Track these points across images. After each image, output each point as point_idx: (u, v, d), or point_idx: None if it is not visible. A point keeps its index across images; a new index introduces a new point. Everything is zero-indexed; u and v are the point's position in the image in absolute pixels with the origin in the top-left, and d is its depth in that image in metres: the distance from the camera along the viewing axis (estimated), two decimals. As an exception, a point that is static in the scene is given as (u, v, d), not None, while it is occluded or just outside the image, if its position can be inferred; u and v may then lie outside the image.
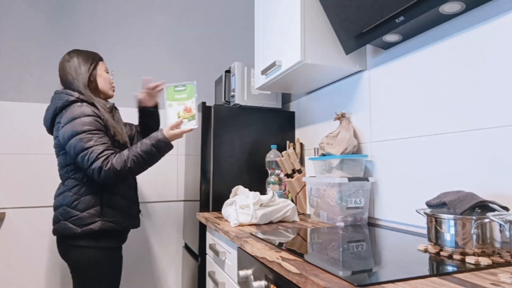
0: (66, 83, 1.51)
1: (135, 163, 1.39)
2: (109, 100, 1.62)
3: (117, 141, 1.50)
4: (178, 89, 1.52)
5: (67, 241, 1.43)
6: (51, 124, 1.49)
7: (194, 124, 1.48)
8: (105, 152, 1.37)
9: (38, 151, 2.17)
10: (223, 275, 1.40)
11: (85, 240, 1.41)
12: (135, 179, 1.63)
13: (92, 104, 1.46)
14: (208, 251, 1.66)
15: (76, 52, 1.55)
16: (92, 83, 1.52)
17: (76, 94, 1.45)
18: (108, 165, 1.35)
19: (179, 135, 1.46)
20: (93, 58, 1.56)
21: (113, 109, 1.60)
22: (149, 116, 1.77)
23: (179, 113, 1.50)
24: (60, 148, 1.45)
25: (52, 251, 2.16)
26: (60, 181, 1.54)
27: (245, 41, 2.72)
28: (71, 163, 1.44)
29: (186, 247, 2.29)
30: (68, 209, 1.41)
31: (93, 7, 2.36)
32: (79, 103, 1.43)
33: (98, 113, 1.44)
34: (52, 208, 1.80)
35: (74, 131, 1.36)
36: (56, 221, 1.44)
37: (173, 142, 1.49)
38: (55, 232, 1.44)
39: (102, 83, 1.56)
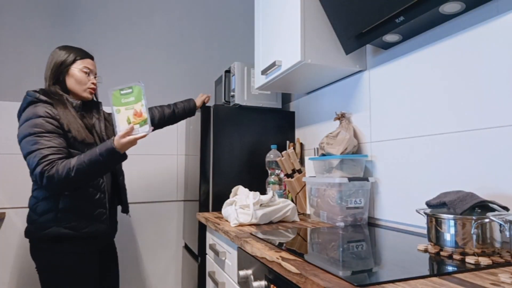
0: (44, 78, 1.46)
1: (81, 172, 1.26)
2: (93, 100, 1.55)
3: (76, 139, 1.38)
4: (125, 92, 1.36)
5: (34, 244, 1.38)
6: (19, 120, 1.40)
7: (146, 129, 1.33)
8: (50, 157, 1.25)
9: (38, 151, 2.17)
10: (223, 275, 1.40)
11: (46, 244, 1.34)
12: (114, 179, 1.55)
13: (50, 104, 1.35)
14: (208, 251, 1.66)
15: (62, 47, 1.47)
16: (61, 82, 1.43)
17: (37, 94, 1.35)
18: (52, 171, 1.24)
19: (132, 143, 1.32)
20: (73, 54, 1.45)
21: (81, 107, 1.47)
22: (189, 115, 1.91)
23: (129, 119, 1.35)
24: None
25: (52, 251, 2.16)
26: None
27: (245, 41, 2.72)
28: None
29: (186, 247, 2.29)
30: (31, 213, 1.37)
31: (93, 7, 2.36)
32: (34, 104, 1.34)
33: (52, 113, 1.33)
34: None
35: (23, 133, 1.29)
36: (26, 223, 1.41)
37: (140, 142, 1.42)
38: (25, 234, 1.39)
39: (72, 83, 1.44)
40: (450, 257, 0.84)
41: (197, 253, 1.84)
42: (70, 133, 1.36)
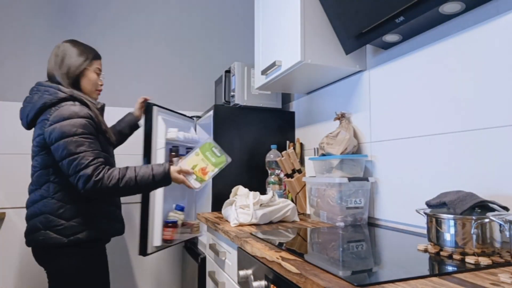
0: (51, 74, 1.39)
1: (129, 186, 1.29)
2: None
3: (108, 140, 1.43)
4: (214, 151, 1.50)
5: (49, 250, 1.32)
6: (33, 119, 1.34)
7: (197, 185, 1.45)
8: (96, 161, 1.27)
9: (38, 151, 2.17)
10: (223, 275, 1.40)
11: (69, 248, 1.31)
12: None
13: (85, 104, 1.36)
14: (208, 251, 1.66)
15: (72, 43, 1.43)
16: (77, 82, 1.41)
17: (68, 91, 1.33)
18: (99, 176, 1.25)
19: (181, 182, 1.40)
20: (88, 55, 1.44)
21: (103, 109, 1.52)
22: (134, 129, 1.82)
23: (196, 167, 1.46)
24: (42, 148, 1.32)
25: (52, 251, 2.16)
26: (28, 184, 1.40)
27: (245, 41, 2.72)
28: (54, 165, 1.31)
29: (186, 247, 2.29)
30: (51, 218, 1.29)
31: (93, 7, 2.36)
32: (71, 102, 1.32)
33: (91, 115, 1.34)
34: None
35: (64, 132, 1.25)
36: (33, 230, 1.31)
37: None
38: (31, 242, 1.31)
39: (86, 84, 1.44)
40: (450, 257, 0.84)
41: (197, 253, 1.83)
42: (106, 134, 1.41)
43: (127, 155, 2.25)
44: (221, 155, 1.50)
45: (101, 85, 1.52)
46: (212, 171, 1.47)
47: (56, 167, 1.31)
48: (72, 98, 1.33)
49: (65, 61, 1.39)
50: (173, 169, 1.38)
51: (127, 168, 1.32)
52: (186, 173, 1.40)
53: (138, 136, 1.86)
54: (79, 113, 1.30)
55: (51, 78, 1.41)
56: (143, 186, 1.33)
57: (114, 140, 1.48)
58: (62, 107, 1.29)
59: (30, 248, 1.39)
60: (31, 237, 1.32)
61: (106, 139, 1.42)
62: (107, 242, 1.49)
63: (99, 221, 1.38)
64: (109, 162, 1.41)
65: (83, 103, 1.36)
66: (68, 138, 1.25)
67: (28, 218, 1.35)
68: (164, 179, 1.35)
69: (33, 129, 1.41)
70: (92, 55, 1.46)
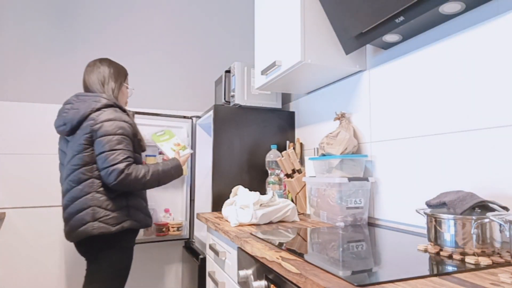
0: (91, 89, 1.61)
1: (154, 178, 1.55)
2: None
3: (141, 146, 1.65)
4: (159, 134, 1.93)
5: (96, 240, 1.47)
6: (80, 122, 1.51)
7: (188, 151, 1.86)
8: (129, 159, 1.49)
9: (38, 151, 2.17)
10: (223, 275, 1.40)
11: (112, 241, 1.49)
12: None
13: (125, 112, 1.60)
14: (208, 251, 1.66)
15: (108, 63, 1.67)
16: (117, 95, 1.65)
17: (112, 98, 1.57)
18: (130, 169, 1.46)
19: (185, 161, 1.76)
20: (123, 73, 1.71)
21: (133, 116, 1.88)
22: None
23: (172, 148, 1.86)
24: (87, 145, 1.49)
25: (52, 251, 2.16)
26: (67, 179, 1.52)
27: (245, 41, 2.72)
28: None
29: (186, 247, 2.30)
30: (98, 209, 1.46)
31: (93, 8, 2.36)
32: (115, 108, 1.55)
33: (130, 121, 1.57)
34: (61, 208, 1.80)
35: (107, 130, 1.46)
36: (82, 223, 1.44)
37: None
38: (82, 233, 1.44)
39: (121, 98, 1.69)
40: (450, 257, 0.84)
41: (197, 252, 1.83)
42: (141, 142, 1.64)
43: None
44: (165, 131, 1.95)
45: (129, 96, 1.79)
46: (177, 139, 1.93)
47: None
48: (115, 105, 1.57)
49: (106, 82, 1.63)
50: (176, 158, 1.73)
51: (149, 165, 1.58)
52: (177, 154, 1.77)
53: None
54: (121, 117, 1.53)
55: (91, 91, 1.62)
56: (165, 177, 1.61)
57: (145, 147, 1.70)
58: (107, 111, 1.51)
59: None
60: (79, 231, 1.45)
61: (139, 146, 1.64)
62: (137, 235, 1.65)
63: (136, 213, 1.57)
64: (138, 163, 1.62)
65: (123, 110, 1.60)
66: (110, 136, 1.46)
67: (73, 214, 1.47)
68: (178, 167, 1.68)
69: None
70: (126, 72, 1.74)
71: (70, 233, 1.48)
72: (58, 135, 2.19)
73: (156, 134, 1.92)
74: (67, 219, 1.50)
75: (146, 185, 1.53)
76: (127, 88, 1.74)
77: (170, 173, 1.63)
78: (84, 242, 1.49)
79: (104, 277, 1.50)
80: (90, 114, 1.50)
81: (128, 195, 1.55)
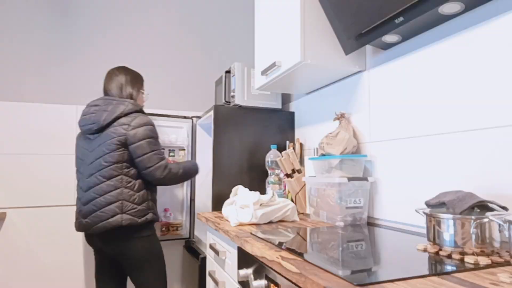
0: (112, 93, 1.77)
1: (185, 173, 1.78)
2: None
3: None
4: None
5: (125, 232, 1.60)
6: (110, 123, 1.66)
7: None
8: (164, 157, 1.72)
9: (38, 151, 2.17)
10: (224, 274, 1.40)
11: (140, 231, 1.64)
12: None
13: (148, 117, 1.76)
14: (208, 250, 1.66)
15: (125, 69, 1.82)
16: (136, 100, 1.81)
17: (138, 104, 1.74)
18: (170, 166, 1.70)
19: None
20: (140, 79, 1.87)
21: None
22: None
23: None
24: (120, 145, 1.63)
25: (52, 251, 2.16)
26: (93, 176, 1.65)
27: (245, 41, 2.73)
28: (127, 160, 1.64)
29: (186, 246, 2.30)
30: (126, 203, 1.60)
31: (93, 8, 2.36)
32: (143, 113, 1.73)
33: (154, 124, 1.75)
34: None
35: (147, 134, 1.66)
36: (111, 214, 1.58)
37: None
38: (110, 224, 1.56)
39: (139, 102, 1.85)
40: (449, 256, 0.84)
41: (198, 252, 1.83)
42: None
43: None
44: None
45: (144, 101, 1.94)
46: None
47: (128, 162, 1.65)
48: (141, 111, 1.74)
49: (124, 88, 1.78)
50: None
51: (178, 163, 1.80)
52: None
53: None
54: (151, 122, 1.71)
55: (110, 95, 1.76)
56: (191, 174, 1.83)
57: None
58: (139, 116, 1.69)
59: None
60: (108, 221, 1.57)
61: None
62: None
63: (154, 206, 1.74)
64: None
65: (146, 115, 1.76)
66: (149, 139, 1.66)
67: (102, 206, 1.59)
68: (197, 169, 1.88)
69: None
70: (141, 80, 1.88)
71: (94, 224, 1.59)
72: (55, 136, 2.20)
73: None
74: (91, 211, 1.60)
75: (179, 179, 1.76)
76: (143, 93, 1.88)
77: (194, 171, 1.85)
78: (110, 236, 1.61)
79: (141, 268, 1.65)
80: (120, 117, 1.66)
81: (149, 190, 1.71)
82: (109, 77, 1.80)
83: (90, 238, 1.71)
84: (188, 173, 1.81)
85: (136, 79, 1.83)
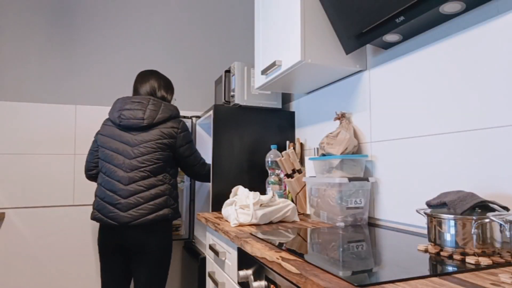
0: (149, 94, 1.85)
1: (208, 173, 1.92)
2: None
3: None
4: None
5: (157, 226, 1.68)
6: (157, 123, 1.74)
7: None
8: None
9: (38, 151, 2.17)
10: (223, 275, 1.40)
11: (168, 227, 1.75)
12: None
13: None
14: (208, 251, 1.66)
15: (157, 77, 1.90)
16: None
17: (177, 110, 1.86)
18: (208, 164, 1.93)
19: None
20: (172, 86, 1.97)
21: None
22: None
23: None
24: (168, 146, 1.74)
25: (52, 251, 2.16)
26: (136, 172, 1.71)
27: (245, 41, 2.72)
28: (170, 159, 1.77)
29: (186, 247, 2.29)
30: (169, 198, 1.72)
31: (93, 7, 2.36)
32: (181, 118, 1.91)
33: None
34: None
35: (190, 138, 1.84)
36: (159, 208, 1.67)
37: None
38: (157, 217, 1.64)
39: None
40: (450, 257, 0.84)
41: (197, 252, 1.83)
42: None
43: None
44: None
45: None
46: None
47: (172, 162, 1.79)
48: (180, 116, 1.97)
49: (157, 91, 1.87)
50: None
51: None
52: None
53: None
54: (188, 126, 1.88)
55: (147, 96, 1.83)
56: (209, 175, 1.93)
57: None
58: (183, 121, 1.84)
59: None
60: (156, 214, 1.65)
61: None
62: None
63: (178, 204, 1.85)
64: None
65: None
66: (192, 141, 1.86)
67: (150, 199, 1.66)
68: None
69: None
70: (173, 88, 1.97)
71: (140, 217, 1.62)
72: (55, 136, 2.19)
73: None
74: (136, 203, 1.63)
75: (208, 177, 1.92)
76: (174, 99, 2.02)
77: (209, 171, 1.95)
78: (141, 227, 1.66)
79: (150, 264, 1.69)
80: (170, 119, 1.78)
81: (177, 188, 1.85)
82: (142, 78, 1.87)
83: (115, 233, 1.66)
84: (210, 173, 1.93)
85: (169, 85, 1.93)
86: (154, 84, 1.87)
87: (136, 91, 1.86)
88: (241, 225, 1.37)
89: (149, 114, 1.73)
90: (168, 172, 1.76)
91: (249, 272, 1.06)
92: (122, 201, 1.62)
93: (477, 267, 0.75)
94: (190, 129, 2.37)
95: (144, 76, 1.89)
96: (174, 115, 1.81)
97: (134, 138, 1.71)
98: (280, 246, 0.99)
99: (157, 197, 1.67)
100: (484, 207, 0.85)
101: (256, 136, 1.97)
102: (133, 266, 1.72)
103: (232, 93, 1.99)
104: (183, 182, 2.13)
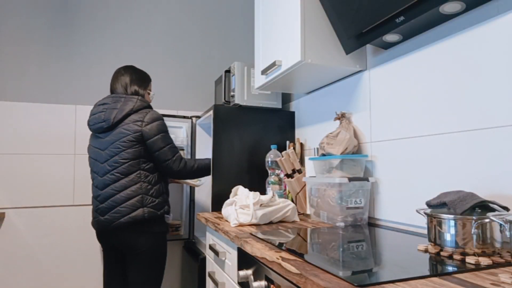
0: (119, 91, 1.79)
1: (197, 169, 1.80)
2: None
3: None
4: None
5: (141, 226, 1.64)
6: (121, 119, 1.68)
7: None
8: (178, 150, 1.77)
9: (38, 151, 2.17)
10: (223, 275, 1.40)
11: (155, 226, 1.68)
12: None
13: None
14: (208, 251, 1.65)
15: (131, 69, 1.84)
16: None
17: (146, 100, 1.76)
18: (184, 160, 1.76)
19: None
20: (147, 79, 1.88)
21: None
22: None
23: None
24: (136, 142, 1.66)
25: (52, 251, 2.16)
26: (110, 172, 1.70)
27: (245, 41, 2.72)
28: (144, 155, 1.69)
29: (186, 247, 2.29)
30: (146, 197, 1.65)
31: (93, 8, 2.35)
32: (152, 109, 1.75)
33: None
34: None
35: (160, 129, 1.70)
36: (133, 209, 1.62)
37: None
38: (132, 218, 1.61)
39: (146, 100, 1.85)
40: (450, 257, 0.84)
41: (197, 253, 1.83)
42: None
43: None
44: None
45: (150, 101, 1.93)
46: None
47: (145, 157, 1.69)
48: (150, 107, 1.77)
49: (129, 86, 1.80)
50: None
51: (192, 158, 1.92)
52: None
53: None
54: (161, 117, 1.74)
55: (118, 93, 1.79)
56: (202, 173, 1.84)
57: None
58: (150, 112, 1.72)
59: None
60: (130, 216, 1.62)
61: None
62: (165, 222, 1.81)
63: (168, 200, 1.79)
64: None
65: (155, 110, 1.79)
66: (164, 133, 1.71)
67: (122, 201, 1.63)
68: (209, 169, 1.86)
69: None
70: (149, 80, 1.89)
71: (114, 220, 1.62)
72: (55, 136, 2.19)
73: None
74: (110, 207, 1.64)
75: (194, 174, 1.81)
76: (149, 93, 1.89)
77: (205, 170, 1.85)
78: (123, 229, 1.65)
79: (143, 264, 1.67)
80: (130, 114, 1.68)
81: (163, 184, 1.76)
82: (116, 76, 1.82)
83: (104, 236, 1.71)
84: (203, 169, 1.84)
85: (142, 78, 1.85)
86: (126, 80, 1.80)
87: (111, 90, 1.83)
88: (241, 225, 1.37)
89: (107, 114, 1.69)
90: (143, 169, 1.68)
91: (249, 272, 1.06)
92: (100, 206, 1.67)
93: (477, 267, 0.75)
94: (190, 129, 2.37)
95: (118, 73, 1.83)
96: (137, 107, 1.71)
97: (103, 142, 1.71)
98: (280, 246, 0.99)
99: (129, 199, 1.63)
100: (484, 207, 0.85)
101: (256, 136, 1.97)
102: (127, 267, 1.74)
103: (232, 93, 1.99)
104: (200, 181, 2.04)
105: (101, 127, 1.70)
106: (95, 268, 2.25)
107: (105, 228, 1.65)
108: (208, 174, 1.88)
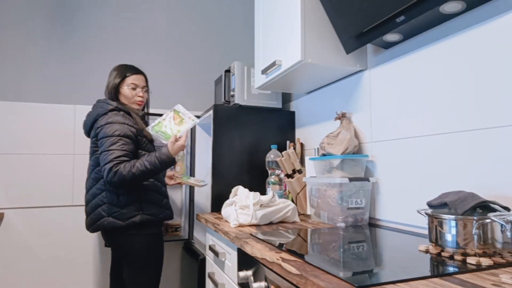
0: (105, 92, 1.75)
1: (140, 172, 1.54)
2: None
3: (148, 140, 1.72)
4: (156, 123, 1.72)
5: (113, 232, 1.61)
6: (90, 128, 1.69)
7: (190, 122, 1.71)
8: (121, 158, 1.53)
9: (38, 151, 2.17)
10: (223, 276, 1.39)
11: (129, 230, 1.60)
12: (163, 178, 1.82)
13: (128, 113, 1.67)
14: (208, 252, 1.65)
15: (115, 69, 1.77)
16: (116, 97, 1.73)
17: (114, 103, 1.66)
18: (116, 168, 1.51)
19: (182, 146, 1.65)
20: (120, 73, 1.74)
21: (144, 117, 1.85)
22: None
23: (171, 128, 1.70)
24: (97, 148, 1.63)
25: (52, 251, 2.15)
26: (86, 179, 1.72)
27: (245, 40, 2.72)
28: None
29: (186, 248, 2.29)
30: (111, 206, 1.59)
31: (93, 8, 2.35)
32: (117, 111, 1.64)
33: (131, 122, 1.63)
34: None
35: (105, 132, 1.57)
36: (99, 217, 1.60)
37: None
38: (99, 227, 1.60)
39: (123, 98, 1.74)
40: (451, 257, 0.83)
41: (197, 253, 1.83)
42: (145, 137, 1.69)
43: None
44: (158, 120, 1.72)
45: (140, 96, 1.77)
46: (169, 116, 1.73)
47: None
48: (117, 109, 1.66)
49: (107, 88, 1.74)
50: (169, 145, 1.63)
51: (138, 160, 1.58)
52: (176, 139, 1.64)
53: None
54: (119, 120, 1.60)
55: (105, 95, 1.75)
56: (153, 170, 1.58)
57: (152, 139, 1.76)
58: (108, 115, 1.62)
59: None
60: (98, 223, 1.60)
61: (150, 141, 1.73)
62: (160, 226, 1.74)
63: (149, 207, 1.64)
64: None
65: (127, 112, 1.67)
66: (106, 137, 1.56)
67: (93, 208, 1.62)
68: (167, 159, 1.61)
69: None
70: (127, 72, 1.75)
71: (90, 225, 1.64)
72: (54, 136, 2.20)
73: (154, 126, 1.71)
74: (88, 212, 1.66)
75: (136, 179, 1.54)
76: (132, 88, 1.73)
77: (158, 164, 1.58)
78: (105, 234, 1.70)
79: (134, 265, 1.64)
80: (97, 119, 1.64)
81: (139, 190, 1.63)
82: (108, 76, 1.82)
83: (103, 235, 1.78)
84: (150, 171, 1.57)
85: (117, 73, 1.74)
86: (108, 79, 1.76)
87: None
88: (241, 225, 1.37)
89: (86, 121, 1.72)
90: None
91: (249, 273, 1.06)
92: (86, 208, 1.71)
93: (478, 268, 0.75)
94: (190, 129, 2.36)
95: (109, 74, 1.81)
96: (102, 112, 1.64)
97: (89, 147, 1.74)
98: (280, 246, 0.99)
99: (97, 207, 1.61)
100: (485, 207, 0.85)
101: (256, 136, 1.96)
102: (122, 267, 1.74)
103: (232, 93, 1.99)
104: (203, 181, 1.98)
105: (85, 133, 1.76)
106: (94, 268, 2.24)
107: (88, 229, 1.68)
108: (164, 169, 1.65)
